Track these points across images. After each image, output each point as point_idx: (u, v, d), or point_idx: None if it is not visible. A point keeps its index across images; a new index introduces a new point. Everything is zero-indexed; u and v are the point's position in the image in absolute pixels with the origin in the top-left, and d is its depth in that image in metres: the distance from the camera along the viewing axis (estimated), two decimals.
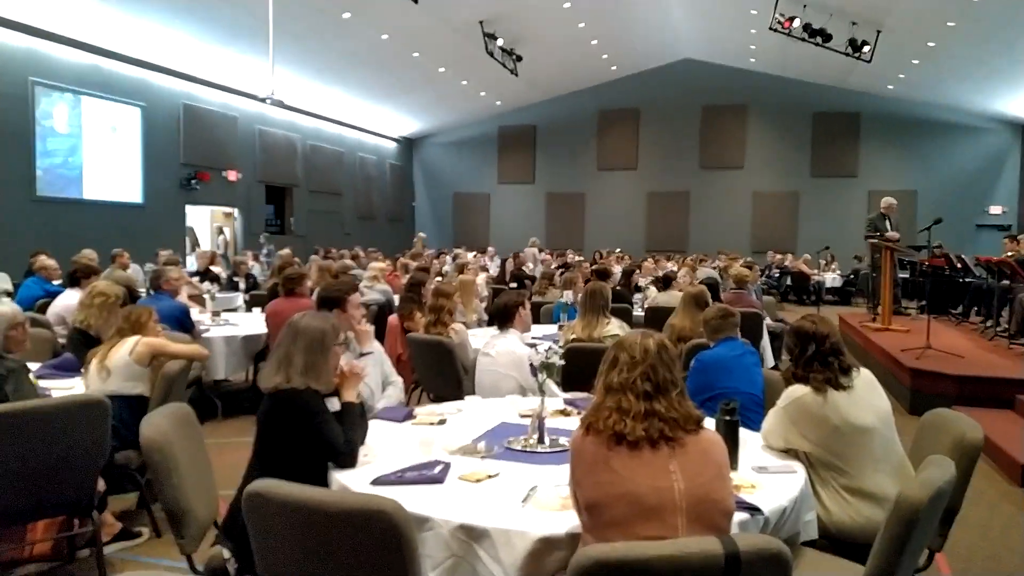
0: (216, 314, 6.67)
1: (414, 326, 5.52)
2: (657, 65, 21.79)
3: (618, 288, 8.61)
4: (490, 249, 17.32)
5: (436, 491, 2.52)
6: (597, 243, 20.67)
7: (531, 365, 3.11)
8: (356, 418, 2.85)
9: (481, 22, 15.33)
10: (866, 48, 14.97)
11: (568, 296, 6.14)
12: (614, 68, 21.26)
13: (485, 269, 12.47)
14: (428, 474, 2.62)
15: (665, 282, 8.08)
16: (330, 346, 2.83)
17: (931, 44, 15.05)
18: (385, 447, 2.98)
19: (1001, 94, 17.62)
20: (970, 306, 10.96)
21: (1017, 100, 17.77)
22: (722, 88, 21.50)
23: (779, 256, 19.07)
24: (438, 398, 5.45)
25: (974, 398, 6.55)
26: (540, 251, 16.32)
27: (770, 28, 15.07)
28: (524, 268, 12.03)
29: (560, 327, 5.96)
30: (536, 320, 7.37)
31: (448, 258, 12.80)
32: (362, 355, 3.62)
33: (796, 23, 14.77)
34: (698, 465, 2.03)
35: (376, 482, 2.57)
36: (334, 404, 2.88)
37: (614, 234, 21.83)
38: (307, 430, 2.71)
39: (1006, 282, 9.29)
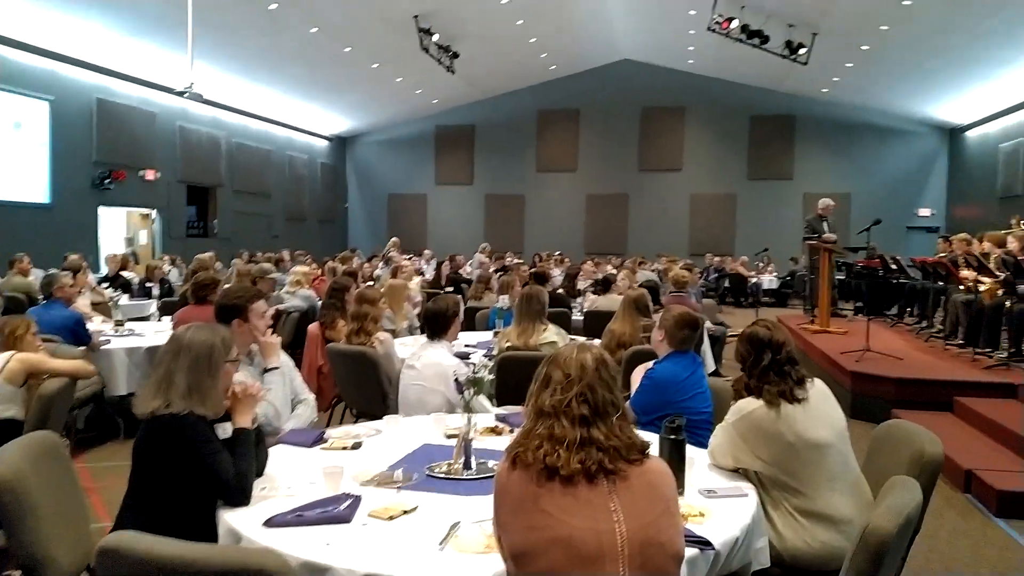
0: (120, 323, 6.13)
1: (336, 335, 5.13)
2: (596, 65, 21.69)
3: (557, 292, 8.35)
4: (426, 252, 16.90)
5: (341, 532, 2.17)
6: (537, 245, 20.44)
7: (456, 381, 2.76)
8: (250, 446, 2.47)
9: (416, 17, 14.91)
10: (802, 51, 15.10)
11: (504, 301, 5.83)
12: (553, 67, 21.09)
13: (420, 273, 12.08)
14: (333, 511, 2.26)
15: (604, 285, 7.83)
16: (219, 363, 2.45)
17: (865, 48, 15.26)
18: (288, 478, 2.61)
19: (930, 99, 18.05)
20: (905, 307, 11.06)
21: (945, 105, 18.23)
22: (661, 90, 21.54)
23: (717, 258, 19.16)
24: (362, 414, 5.07)
25: (913, 401, 6.49)
26: (490, 257, 15.95)
27: (708, 29, 15.07)
28: (461, 272, 11.67)
29: (495, 333, 5.64)
30: (471, 326, 7.05)
31: (380, 262, 12.36)
32: (267, 371, 3.22)
33: (734, 24, 14.80)
34: (643, 502, 1.73)
35: (270, 523, 2.20)
36: (226, 430, 2.49)
37: (554, 236, 21.64)
38: (190, 463, 2.32)
39: (940, 283, 9.36)
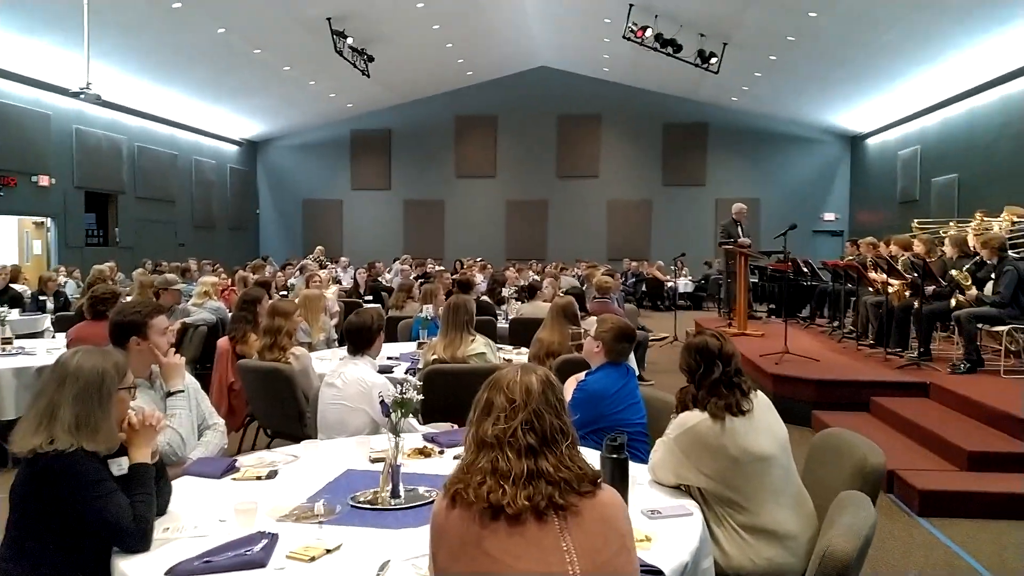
0: (7, 341, 5.61)
1: (248, 350, 4.80)
2: (514, 72, 21.70)
3: (482, 299, 8.18)
4: (343, 259, 16.44)
5: None
6: (457, 252, 20.26)
7: (382, 403, 2.54)
8: (150, 484, 2.19)
9: (329, 19, 14.50)
10: (713, 60, 15.44)
11: (428, 310, 5.62)
12: (470, 73, 20.96)
13: (338, 281, 11.69)
14: (246, 555, 2.02)
15: (530, 292, 7.71)
16: (111, 392, 2.17)
17: (772, 58, 15.74)
18: (194, 516, 2.34)
19: (833, 108, 18.79)
20: (817, 309, 11.38)
21: (847, 114, 19.01)
22: (577, 97, 21.72)
23: (634, 263, 19.41)
24: (277, 434, 4.77)
25: (832, 402, 6.61)
26: (411, 265, 15.59)
27: (624, 37, 15.23)
28: (381, 279, 11.36)
29: (419, 344, 5.42)
30: (393, 337, 6.80)
31: (295, 270, 11.90)
32: (170, 395, 2.92)
33: (648, 33, 15.01)
34: (598, 538, 1.57)
35: (174, 572, 1.94)
36: (122, 466, 2.21)
37: (474, 242, 21.50)
38: (78, 507, 2.04)
39: (851, 285, 9.65)
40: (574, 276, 13.50)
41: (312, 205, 23.20)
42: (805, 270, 11.05)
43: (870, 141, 20.14)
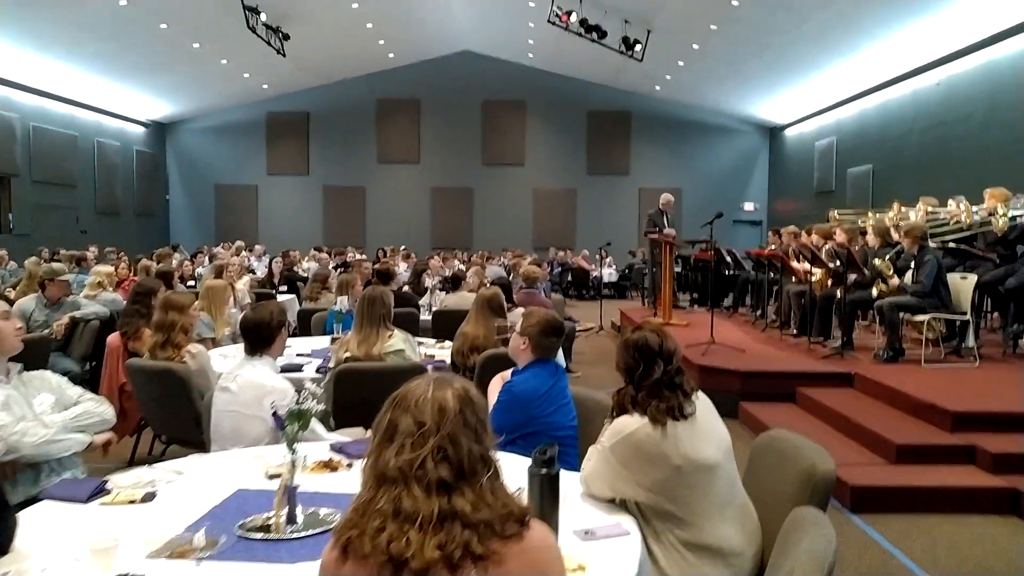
0: None
1: (140, 347, 4.35)
2: (437, 56, 21.21)
3: (403, 290, 7.82)
4: (258, 247, 15.72)
5: None
6: (380, 240, 19.72)
7: (275, 415, 2.19)
8: None
9: None
10: (638, 47, 15.39)
11: (344, 303, 5.23)
12: (392, 56, 20.37)
13: (251, 271, 11.09)
14: None
15: (454, 283, 7.39)
16: None
17: (695, 47, 15.79)
18: (47, 554, 1.95)
19: (753, 99, 19.06)
20: (739, 298, 11.45)
21: (766, 104, 19.32)
22: (501, 83, 21.43)
23: (560, 252, 19.31)
24: (174, 441, 4.33)
25: (759, 393, 6.54)
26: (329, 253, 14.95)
27: (548, 21, 15.00)
28: (297, 269, 10.82)
29: (333, 340, 5.04)
30: (306, 331, 6.38)
31: (205, 258, 11.23)
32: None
33: (573, 18, 14.83)
34: None
35: None
36: None
37: (398, 230, 20.98)
38: None
39: (774, 275, 9.69)
40: (500, 265, 13.23)
41: (225, 191, 22.19)
42: (728, 259, 11.11)
43: (788, 132, 20.55)
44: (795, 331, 8.52)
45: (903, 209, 9.09)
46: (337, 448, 2.80)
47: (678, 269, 13.52)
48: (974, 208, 7.68)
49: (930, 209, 8.71)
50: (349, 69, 20.82)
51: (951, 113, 12.59)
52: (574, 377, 8.21)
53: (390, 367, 3.89)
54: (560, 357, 7.47)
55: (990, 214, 7.29)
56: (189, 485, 2.48)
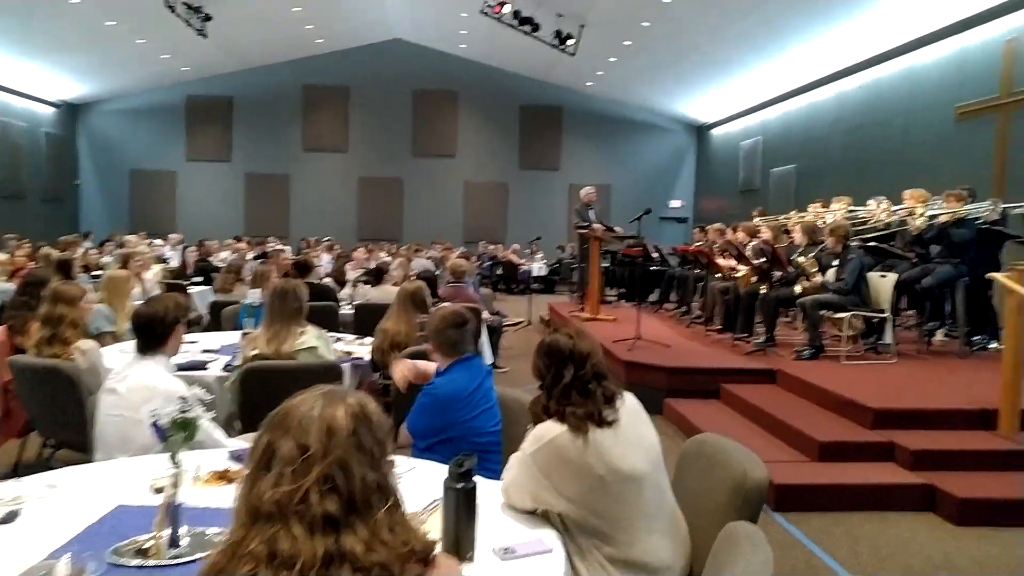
0: None
1: (28, 342, 3.96)
2: (366, 43, 20.70)
3: (323, 282, 7.52)
4: (173, 236, 15.01)
5: None
6: (305, 230, 19.17)
7: (154, 426, 1.95)
8: None
9: None
10: (570, 41, 15.32)
11: (255, 295, 4.93)
12: (320, 41, 19.78)
13: (163, 260, 10.55)
14: None
15: (377, 275, 7.13)
16: None
17: (627, 43, 15.82)
18: None
19: (682, 97, 19.28)
20: (665, 293, 11.52)
21: (694, 103, 19.58)
22: (433, 73, 21.09)
23: (491, 246, 19.17)
24: (63, 444, 3.99)
25: (684, 389, 6.53)
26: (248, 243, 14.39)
27: (481, 12, 14.79)
28: (211, 259, 10.34)
29: (244, 335, 4.74)
30: (217, 325, 6.04)
31: (113, 246, 10.62)
32: None
33: (506, 9, 14.65)
34: None
35: None
36: None
37: (324, 221, 20.44)
38: None
39: (699, 271, 9.77)
40: (428, 258, 12.99)
41: (141, 176, 21.17)
42: (655, 255, 11.16)
43: (715, 131, 20.88)
44: (720, 327, 8.59)
45: (820, 210, 9.27)
46: (237, 456, 2.56)
47: (606, 264, 13.56)
48: (894, 208, 7.86)
49: (849, 209, 8.91)
50: (275, 54, 20.12)
51: (872, 116, 12.94)
52: (501, 373, 8.08)
53: (302, 366, 3.65)
54: (487, 353, 7.33)
55: (909, 214, 7.47)
56: (62, 501, 2.21)
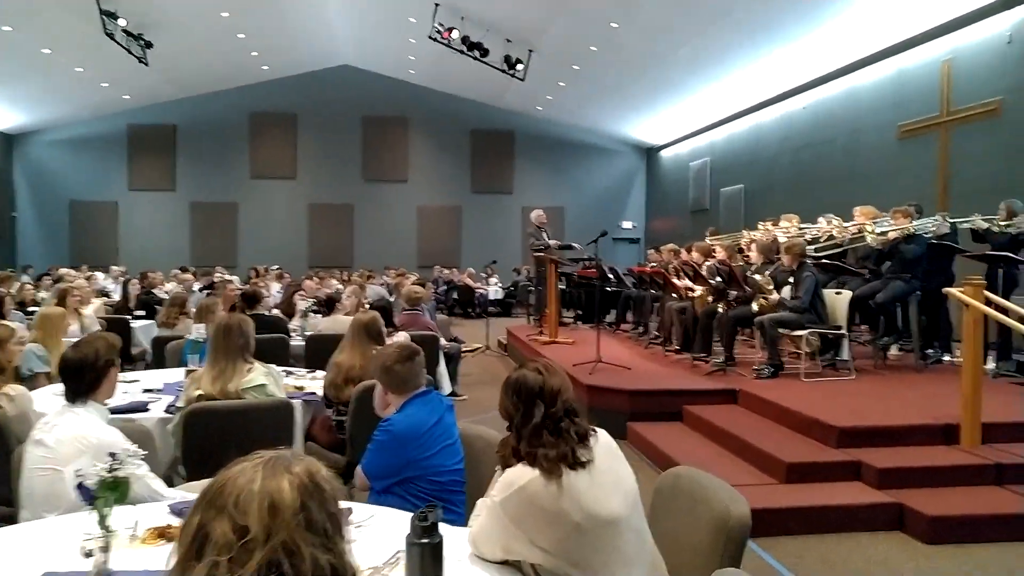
0: None
1: None
2: (314, 69, 20.49)
3: (272, 314, 7.26)
4: (115, 268, 14.50)
5: None
6: (254, 259, 18.73)
7: (80, 487, 1.75)
8: None
9: None
10: (520, 66, 15.36)
11: (200, 331, 4.69)
12: (266, 68, 19.51)
13: (105, 294, 10.13)
14: None
15: (328, 305, 6.91)
16: None
17: (576, 68, 15.93)
18: None
19: (631, 120, 19.47)
20: (622, 314, 11.49)
21: (643, 126, 19.79)
22: (382, 99, 20.96)
23: (446, 271, 19.00)
24: None
25: (646, 412, 6.44)
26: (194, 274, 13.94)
27: (429, 37, 14.73)
28: (156, 291, 9.96)
29: (188, 373, 4.50)
30: (160, 363, 5.75)
31: (49, 281, 10.15)
32: None
33: (455, 35, 14.63)
34: None
35: None
36: None
37: (273, 249, 20.04)
38: None
39: (655, 291, 9.75)
40: (382, 285, 12.76)
41: (82, 208, 20.50)
42: (611, 276, 11.12)
43: (664, 153, 21.14)
44: (677, 347, 8.56)
45: (769, 228, 9.36)
46: (178, 511, 2.36)
47: (562, 286, 13.52)
48: (845, 225, 7.95)
49: (799, 226, 9.00)
50: (220, 81, 19.76)
51: (818, 135, 13.21)
52: (460, 400, 7.89)
53: (250, 405, 3.44)
54: (445, 382, 7.14)
55: (859, 231, 7.55)
56: None
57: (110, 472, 1.68)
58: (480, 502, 2.11)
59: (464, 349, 10.32)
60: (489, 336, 12.30)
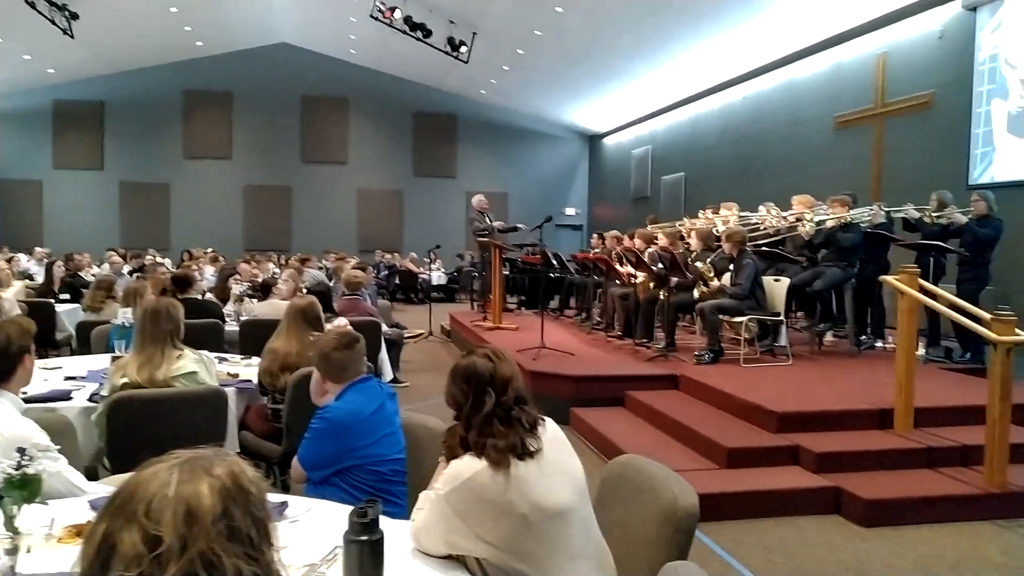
0: None
1: None
2: (251, 46, 19.88)
3: (205, 299, 7.00)
4: (39, 250, 13.84)
5: None
6: (187, 242, 18.15)
7: None
8: None
9: None
10: (463, 48, 15.16)
11: (127, 315, 4.46)
12: (200, 44, 18.83)
13: (28, 276, 9.64)
14: None
15: (264, 289, 6.69)
16: None
17: (520, 52, 15.82)
18: None
19: (574, 107, 19.48)
20: (565, 300, 11.51)
21: (587, 113, 19.81)
22: (322, 78, 20.49)
23: (388, 255, 18.73)
24: None
25: (590, 398, 6.44)
26: (124, 257, 13.37)
27: (371, 16, 14.42)
28: (83, 273, 9.52)
29: (115, 359, 4.27)
30: (86, 348, 5.48)
31: None
32: None
33: (397, 14, 14.35)
34: None
35: None
36: None
37: (207, 231, 19.45)
38: None
39: (599, 277, 9.77)
40: (321, 269, 12.49)
41: (3, 187, 19.44)
42: (555, 262, 11.11)
43: (607, 140, 21.23)
44: (620, 333, 8.61)
45: (711, 215, 9.47)
46: (99, 507, 2.20)
47: (506, 272, 13.46)
48: (784, 213, 8.07)
49: (739, 214, 9.13)
50: (152, 56, 19.00)
51: (756, 125, 13.41)
52: (402, 387, 7.77)
53: (179, 394, 3.27)
54: (387, 368, 7.00)
55: (798, 219, 7.68)
56: None
57: (18, 469, 1.54)
58: (423, 495, 2.02)
59: (406, 335, 10.18)
60: (432, 322, 12.17)
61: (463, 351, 2.17)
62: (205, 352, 3.70)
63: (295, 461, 2.73)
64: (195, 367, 3.40)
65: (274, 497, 2.33)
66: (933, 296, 5.11)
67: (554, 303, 11.92)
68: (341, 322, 5.30)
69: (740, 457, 4.68)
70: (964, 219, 7.03)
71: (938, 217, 7.19)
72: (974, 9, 8.81)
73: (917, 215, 7.37)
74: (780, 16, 11.07)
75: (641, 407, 6.07)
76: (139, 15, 15.68)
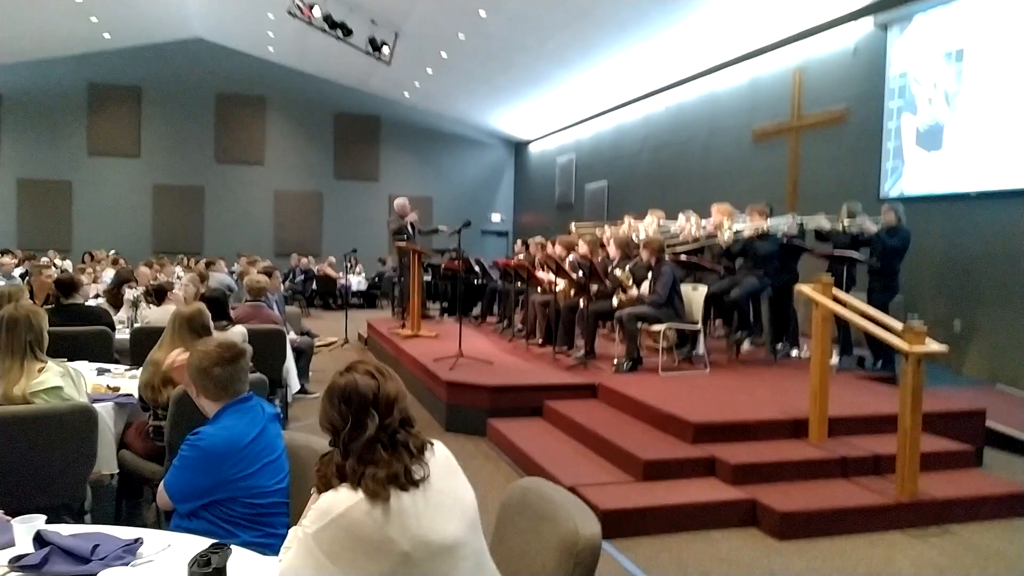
0: None
1: None
2: (162, 40, 19.00)
3: (95, 304, 6.51)
4: None
5: None
6: (91, 243, 17.18)
7: None
8: None
9: None
10: (385, 49, 14.82)
11: None
12: (107, 36, 17.87)
13: None
14: None
15: (158, 294, 6.24)
16: None
17: (444, 55, 15.58)
18: None
19: (498, 112, 19.35)
20: (487, 307, 11.34)
21: (510, 118, 19.71)
22: (239, 76, 19.76)
23: (304, 259, 18.15)
24: None
25: (507, 408, 6.26)
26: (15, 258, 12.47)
27: (288, 12, 13.94)
28: None
29: None
30: None
31: None
32: None
33: (316, 12, 13.91)
34: None
35: None
36: None
37: (113, 232, 18.49)
38: None
39: (520, 284, 9.62)
40: (231, 273, 11.95)
41: None
42: (476, 269, 10.93)
43: (532, 147, 21.19)
44: (541, 340, 8.49)
45: (633, 222, 9.45)
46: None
47: (427, 278, 13.19)
48: (703, 222, 8.09)
49: (661, 222, 9.12)
50: (54, 47, 17.93)
51: (677, 135, 13.54)
52: (311, 398, 7.42)
53: (40, 412, 2.92)
54: (293, 378, 6.64)
55: (717, 228, 7.69)
56: None
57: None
58: (292, 531, 1.78)
59: (319, 343, 9.81)
60: (348, 329, 11.79)
61: (346, 368, 1.92)
62: (74, 364, 3.34)
63: (161, 488, 2.43)
64: (59, 381, 3.05)
65: (126, 533, 2.04)
66: (847, 305, 5.12)
67: (477, 311, 11.73)
68: (238, 330, 4.97)
69: (657, 469, 4.57)
70: (874, 228, 7.15)
71: (849, 227, 7.30)
72: (885, 27, 9.04)
73: (828, 225, 7.47)
74: (701, 28, 11.18)
75: (559, 418, 5.92)
76: (40, 4, 14.77)
